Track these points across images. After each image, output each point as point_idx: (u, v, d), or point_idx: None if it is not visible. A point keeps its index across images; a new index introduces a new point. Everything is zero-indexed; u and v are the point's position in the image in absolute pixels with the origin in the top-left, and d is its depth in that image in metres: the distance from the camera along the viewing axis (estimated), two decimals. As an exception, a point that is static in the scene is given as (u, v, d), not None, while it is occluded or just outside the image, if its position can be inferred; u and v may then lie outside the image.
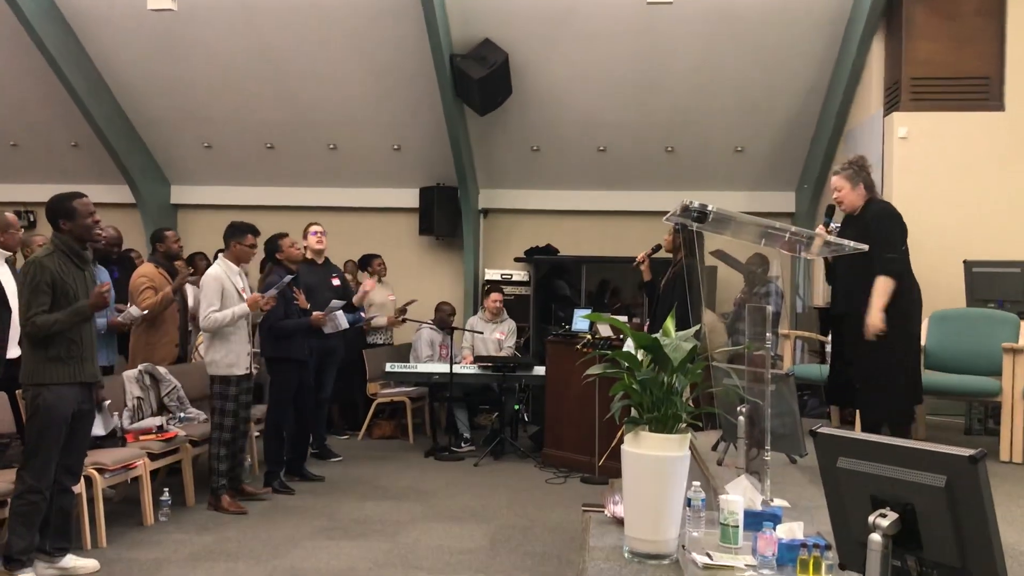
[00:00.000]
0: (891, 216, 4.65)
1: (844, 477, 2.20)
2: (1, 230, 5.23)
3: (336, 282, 7.21)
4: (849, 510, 2.21)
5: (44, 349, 4.17)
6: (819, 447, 2.28)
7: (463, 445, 7.81)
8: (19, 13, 8.24)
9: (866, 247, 3.71)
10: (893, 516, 2.04)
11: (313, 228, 7.07)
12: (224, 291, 5.63)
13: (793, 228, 3.35)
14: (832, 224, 4.50)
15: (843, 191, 4.73)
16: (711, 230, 3.47)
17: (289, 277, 6.14)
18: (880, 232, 4.51)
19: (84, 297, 4.29)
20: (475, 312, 9.44)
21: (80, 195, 4.36)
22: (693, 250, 5.55)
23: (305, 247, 6.95)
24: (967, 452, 1.93)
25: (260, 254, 6.45)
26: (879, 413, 4.62)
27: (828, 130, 8.55)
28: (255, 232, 5.89)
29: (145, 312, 6.14)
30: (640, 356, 3.00)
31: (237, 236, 5.81)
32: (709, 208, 3.27)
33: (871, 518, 2.06)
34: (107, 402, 5.01)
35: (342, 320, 6.89)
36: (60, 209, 4.29)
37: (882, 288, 4.47)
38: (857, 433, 2.29)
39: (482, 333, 8.24)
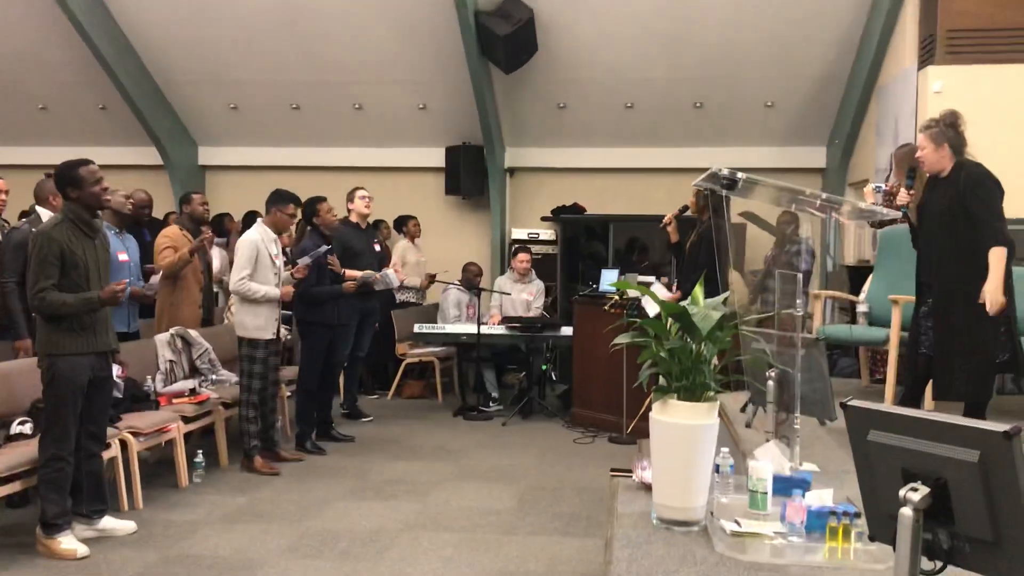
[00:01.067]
0: (989, 179, 4.28)
1: (874, 450, 2.18)
2: (52, 195, 5.27)
3: (377, 247, 7.26)
4: (879, 483, 2.19)
5: (57, 320, 4.18)
6: (849, 420, 2.25)
7: (491, 405, 7.86)
8: (44, -24, 8.24)
9: (898, 214, 3.58)
10: (924, 490, 2.02)
11: (361, 192, 7.05)
12: (258, 256, 5.66)
13: (824, 195, 3.29)
14: (906, 183, 4.19)
15: (925, 151, 4.34)
16: (742, 196, 3.42)
17: (325, 248, 6.16)
18: (979, 199, 4.18)
19: (93, 267, 4.27)
20: (502, 272, 9.44)
21: (87, 162, 4.30)
22: (720, 212, 5.50)
23: (351, 210, 6.96)
24: (1001, 427, 1.90)
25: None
26: (954, 394, 4.36)
27: (860, 85, 8.38)
28: (298, 202, 5.92)
29: (159, 274, 6.15)
30: (668, 324, 2.98)
31: (280, 204, 5.83)
32: (739, 176, 3.22)
33: (902, 492, 2.04)
34: (121, 369, 4.98)
35: (393, 278, 6.90)
36: (67, 177, 4.24)
37: (997, 258, 4.09)
38: (887, 406, 2.26)
39: (509, 294, 8.24)
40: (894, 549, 2.07)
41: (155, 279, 6.10)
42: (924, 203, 4.44)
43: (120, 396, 5.19)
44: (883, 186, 4.71)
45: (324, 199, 6.46)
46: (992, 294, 4.07)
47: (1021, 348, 4.36)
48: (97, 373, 4.33)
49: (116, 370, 4.71)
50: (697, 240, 6.08)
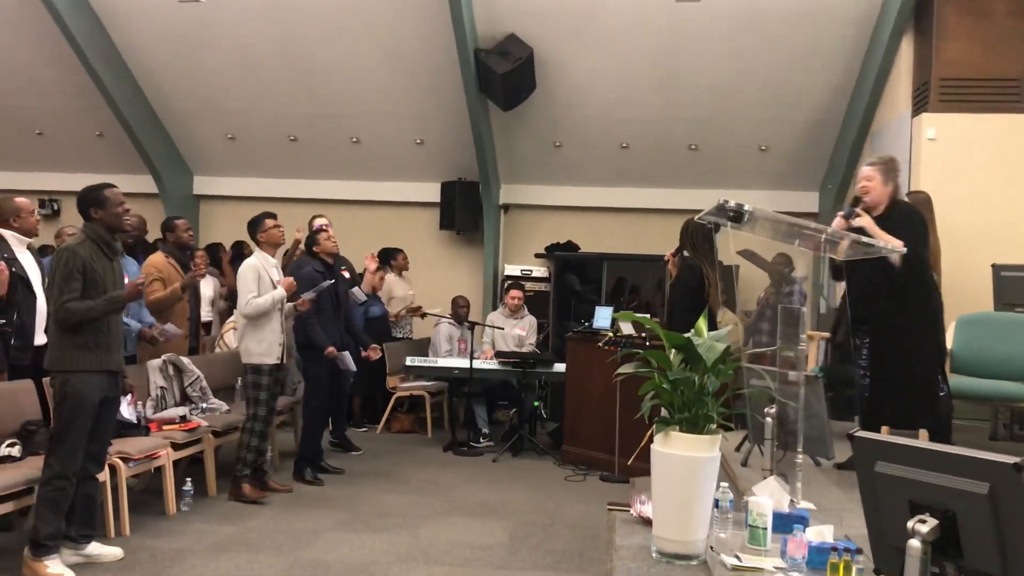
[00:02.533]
0: (921, 221, 4.51)
1: (882, 481, 2.18)
2: (13, 215, 5.22)
3: (347, 274, 7.22)
4: (886, 515, 2.19)
5: (72, 336, 4.19)
6: (856, 450, 2.26)
7: (481, 440, 7.81)
8: (47, 2, 8.28)
9: (902, 248, 3.65)
10: (933, 522, 2.02)
11: (319, 222, 6.99)
12: (260, 280, 5.69)
13: (829, 229, 3.32)
14: (852, 214, 4.38)
15: (873, 182, 4.53)
16: (743, 229, 3.44)
17: (328, 282, 6.18)
18: (911, 233, 4.37)
19: (111, 287, 4.31)
20: (494, 307, 9.44)
21: (111, 185, 4.41)
22: (709, 250, 5.53)
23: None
24: (1012, 460, 1.90)
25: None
26: (904, 422, 4.55)
27: (854, 130, 8.48)
28: (271, 215, 5.96)
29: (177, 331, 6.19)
30: (672, 355, 2.99)
31: (259, 227, 5.89)
32: (746, 208, 3.25)
33: (910, 523, 2.04)
34: (131, 393, 4.99)
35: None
36: (91, 198, 4.33)
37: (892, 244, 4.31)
38: (895, 437, 2.27)
39: (502, 328, 8.23)
40: (901, 582, 2.07)
41: (170, 327, 6.10)
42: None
43: (136, 423, 5.17)
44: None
45: (324, 229, 6.51)
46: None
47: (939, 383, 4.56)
48: (107, 393, 4.32)
49: (126, 399, 4.70)
50: (676, 279, 6.09)
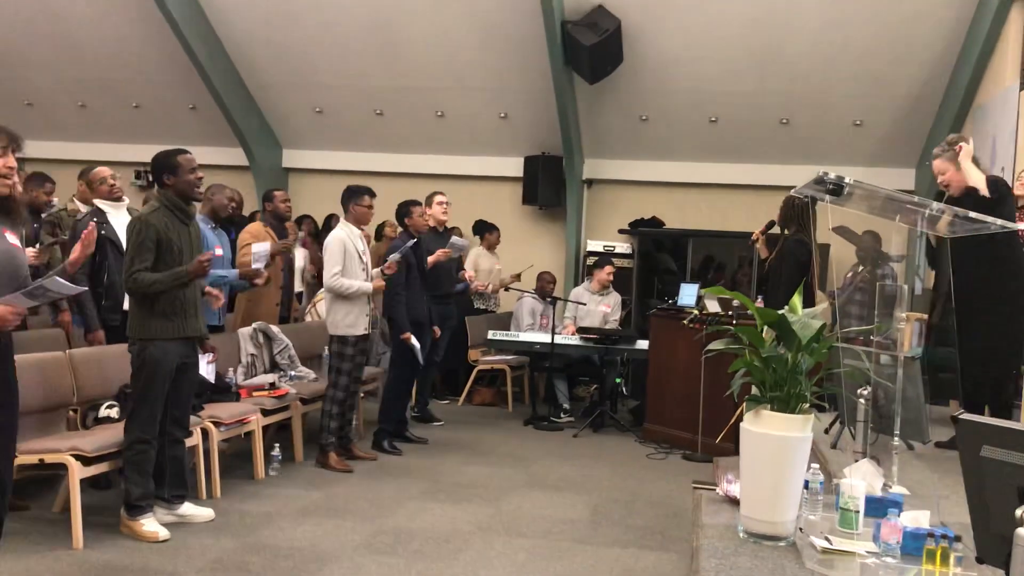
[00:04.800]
0: (1002, 184, 4.36)
1: (987, 467, 2.09)
2: (97, 183, 5.48)
3: (451, 240, 7.27)
4: (991, 501, 2.10)
5: (150, 305, 4.27)
6: (961, 434, 2.17)
7: (562, 416, 7.80)
8: (145, -22, 8.51)
9: (1021, 225, 3.50)
10: (1043, 511, 1.92)
11: (439, 198, 7.09)
12: (347, 253, 5.75)
13: (935, 204, 3.19)
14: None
15: (947, 174, 4.42)
16: (839, 203, 3.33)
17: (413, 241, 6.21)
18: (997, 205, 4.20)
19: (187, 253, 4.36)
20: (576, 283, 9.40)
21: (183, 151, 4.45)
22: (807, 226, 5.39)
23: (429, 215, 6.99)
24: None
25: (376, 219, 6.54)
26: (975, 392, 4.43)
27: (955, 104, 8.14)
28: (371, 193, 5.98)
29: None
30: (764, 332, 2.92)
31: (355, 198, 5.91)
32: (846, 180, 3.14)
33: (1018, 512, 1.95)
34: (211, 355, 5.04)
35: (461, 242, 6.96)
36: (164, 164, 4.39)
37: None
38: (1003, 421, 2.17)
39: (585, 304, 8.19)
40: (1006, 572, 1.98)
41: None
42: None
43: (212, 382, 5.29)
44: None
45: (419, 203, 6.57)
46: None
47: None
48: (184, 359, 4.41)
49: (206, 357, 4.79)
50: (779, 256, 5.95)
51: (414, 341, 6.27)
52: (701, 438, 6.52)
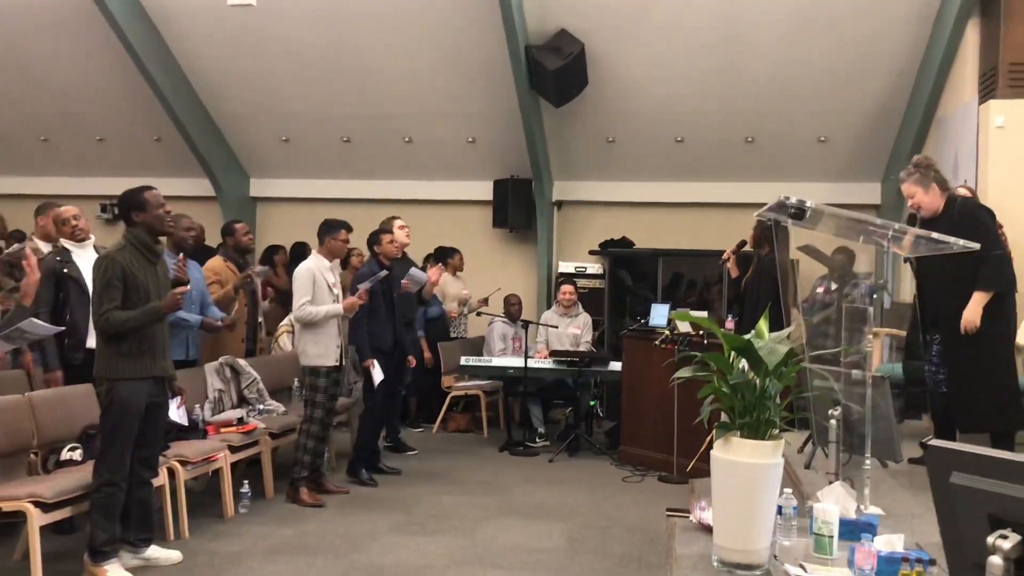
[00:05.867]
0: (979, 208, 4.39)
1: (958, 493, 2.05)
2: (59, 224, 5.37)
3: (409, 272, 7.21)
4: (963, 529, 2.06)
5: (116, 344, 4.21)
6: (930, 461, 2.13)
7: (537, 440, 7.75)
8: (104, 10, 8.42)
9: (977, 245, 3.49)
10: (1016, 538, 1.89)
11: (399, 222, 7.00)
12: (316, 284, 5.69)
13: (896, 225, 3.19)
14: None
15: (916, 196, 4.42)
16: (805, 226, 3.32)
17: (383, 274, 6.16)
18: (972, 229, 4.15)
19: (155, 291, 4.30)
20: (549, 305, 9.37)
21: (150, 187, 4.40)
22: (780, 245, 5.40)
23: (395, 241, 6.91)
24: (1102, 472, 1.77)
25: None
26: (977, 425, 4.39)
27: (917, 119, 8.21)
28: (348, 228, 5.97)
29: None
30: (731, 358, 2.89)
31: (332, 232, 5.89)
32: (807, 205, 3.13)
33: (990, 539, 1.92)
34: (180, 396, 4.98)
35: (420, 275, 6.92)
36: (131, 202, 4.33)
37: (979, 300, 4.21)
38: (974, 447, 2.14)
39: (556, 327, 8.16)
40: (980, 600, 1.95)
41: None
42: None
43: (185, 425, 5.21)
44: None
45: (388, 231, 6.50)
46: (968, 322, 4.26)
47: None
48: (153, 399, 4.34)
49: (175, 401, 4.72)
50: (756, 275, 5.96)
51: (375, 371, 6.17)
52: (676, 459, 6.49)
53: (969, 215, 4.35)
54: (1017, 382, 4.37)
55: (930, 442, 2.14)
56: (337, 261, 6.21)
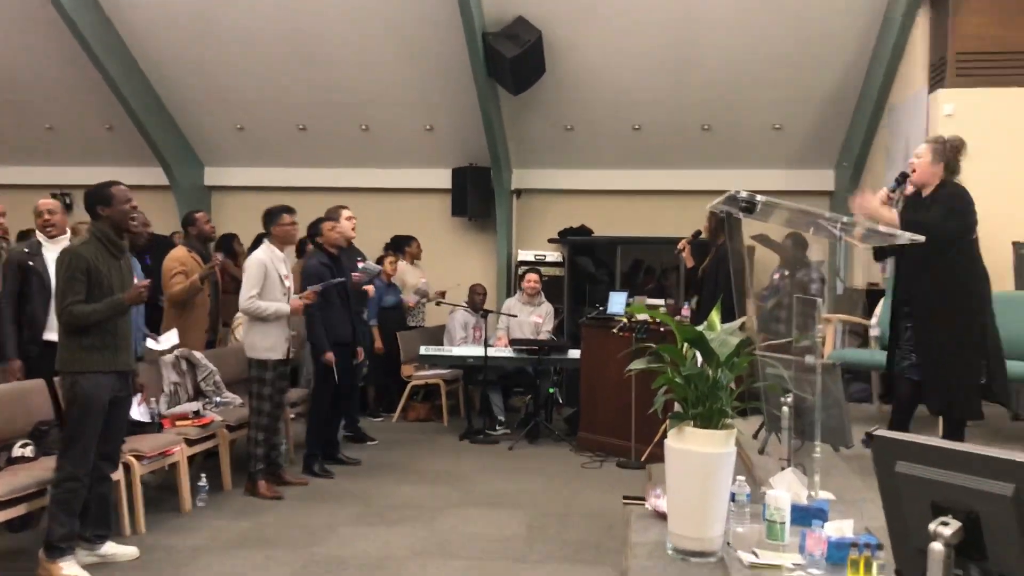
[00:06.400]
0: (962, 203, 4.35)
1: (902, 482, 2.11)
2: (37, 216, 5.32)
3: (361, 265, 7.17)
4: (908, 516, 2.12)
5: (79, 337, 4.17)
6: (876, 450, 2.19)
7: (497, 428, 7.78)
8: (53, -2, 8.26)
9: (922, 238, 3.54)
10: (956, 524, 1.95)
11: (347, 212, 6.92)
12: (267, 276, 5.63)
13: (844, 218, 3.25)
14: (897, 190, 4.31)
15: (922, 160, 4.42)
16: (757, 219, 3.37)
17: (337, 280, 6.11)
18: (947, 212, 4.27)
19: (119, 286, 4.27)
20: (508, 294, 9.39)
21: (117, 183, 4.36)
22: (734, 236, 5.45)
23: (339, 231, 6.84)
24: (1038, 460, 1.83)
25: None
26: (940, 404, 4.46)
27: (869, 107, 8.35)
28: (290, 211, 5.87)
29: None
30: (684, 349, 2.93)
31: (274, 219, 5.81)
32: (757, 199, 3.17)
33: (932, 526, 1.97)
34: (141, 393, 4.98)
35: (373, 267, 6.85)
36: (97, 196, 4.28)
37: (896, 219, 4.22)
38: (916, 437, 2.20)
39: (517, 316, 8.18)
40: (923, 585, 2.01)
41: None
42: (902, 221, 4.46)
43: (147, 422, 5.16)
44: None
45: (330, 219, 6.43)
46: (861, 206, 4.27)
47: (1000, 370, 4.40)
48: (117, 393, 4.30)
49: (137, 398, 4.68)
50: (713, 264, 6.02)
51: (332, 360, 6.14)
52: (635, 445, 6.55)
53: (946, 200, 4.35)
54: (980, 371, 4.37)
55: (876, 432, 2.20)
56: (292, 250, 6.11)
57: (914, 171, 4.47)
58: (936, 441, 2.09)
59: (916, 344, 4.44)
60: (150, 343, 5.97)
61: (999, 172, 6.68)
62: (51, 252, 5.14)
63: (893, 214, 4.21)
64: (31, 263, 5.19)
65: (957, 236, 4.31)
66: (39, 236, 5.34)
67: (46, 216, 5.33)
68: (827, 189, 9.63)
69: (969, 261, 4.39)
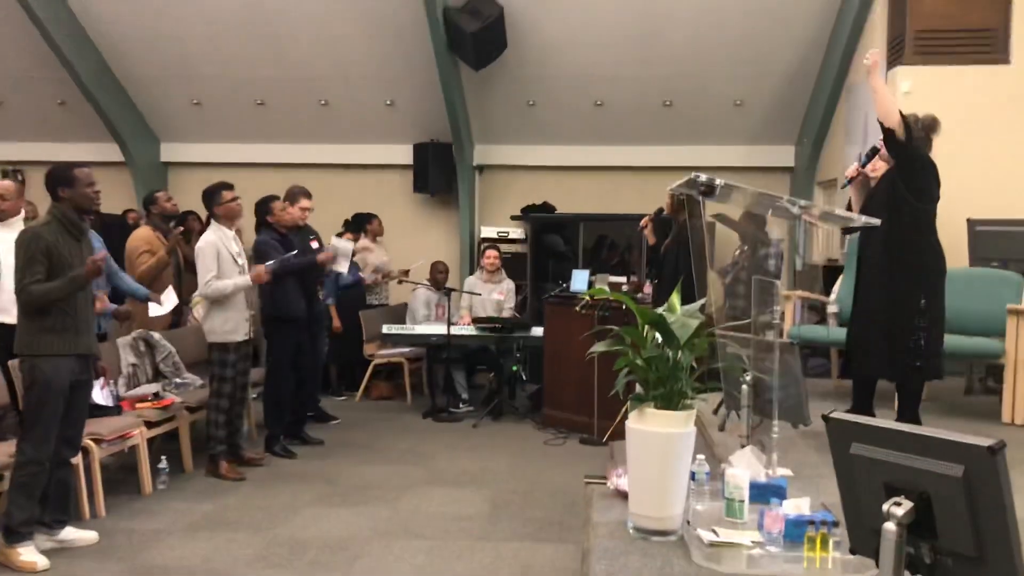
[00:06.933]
0: (930, 165, 4.40)
1: (857, 463, 2.15)
2: None
3: (315, 244, 7.05)
4: (862, 496, 2.16)
5: (39, 319, 4.11)
6: (831, 432, 2.22)
7: (461, 406, 7.80)
8: (-1, -32, 8.03)
9: (877, 222, 3.58)
10: (908, 505, 1.99)
11: (305, 203, 6.70)
12: (220, 256, 5.55)
13: (801, 202, 3.28)
14: (867, 164, 4.35)
15: (896, 135, 4.39)
16: (717, 201, 3.38)
17: (291, 253, 6.04)
18: (910, 174, 4.33)
19: (80, 267, 4.19)
20: (471, 271, 9.37)
21: (81, 164, 4.33)
22: (695, 215, 5.47)
23: (288, 213, 6.72)
24: (986, 442, 1.87)
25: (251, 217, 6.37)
26: (868, 370, 4.54)
27: (829, 84, 8.41)
28: (228, 187, 5.76)
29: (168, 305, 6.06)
30: (645, 332, 2.94)
31: (215, 198, 5.70)
32: (717, 182, 3.19)
33: (885, 506, 2.01)
34: (103, 377, 4.92)
35: (344, 262, 6.78)
36: (60, 177, 4.22)
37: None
38: (870, 419, 2.23)
39: (480, 295, 8.17)
40: (876, 563, 2.05)
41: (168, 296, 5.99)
42: (872, 192, 4.52)
43: (109, 406, 5.10)
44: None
45: (277, 197, 6.34)
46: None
47: (936, 345, 4.45)
48: (78, 376, 4.24)
49: (99, 382, 4.62)
50: (674, 243, 6.05)
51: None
52: (597, 421, 6.60)
53: (915, 159, 4.37)
54: (920, 338, 4.43)
55: (831, 415, 2.23)
56: (239, 225, 6.01)
57: (884, 147, 4.47)
58: (889, 424, 2.12)
59: (854, 307, 4.51)
60: (153, 308, 5.91)
61: (955, 150, 6.73)
62: (3, 236, 4.95)
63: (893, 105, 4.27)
64: None
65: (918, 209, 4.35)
66: None
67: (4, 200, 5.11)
68: (787, 165, 9.71)
69: (923, 231, 4.44)
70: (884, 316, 4.41)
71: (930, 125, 4.45)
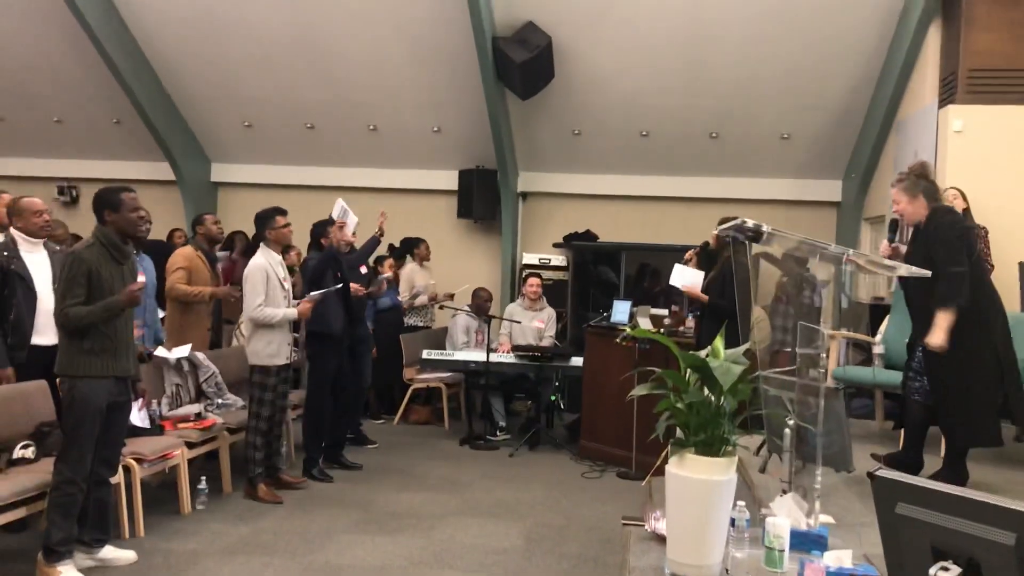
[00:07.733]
0: (953, 226, 4.28)
1: (903, 524, 2.10)
2: (16, 216, 4.99)
3: (363, 270, 7.15)
4: (907, 558, 2.11)
5: (79, 341, 4.17)
6: (877, 491, 2.17)
7: (498, 434, 7.77)
8: (63, -9, 8.25)
9: (928, 273, 3.50)
10: (956, 570, 1.94)
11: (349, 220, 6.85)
12: (269, 282, 5.62)
13: (850, 251, 3.23)
14: (895, 242, 4.29)
15: (901, 204, 4.39)
16: (763, 246, 3.35)
17: (336, 288, 6.10)
18: (938, 242, 4.21)
19: (118, 295, 4.24)
20: (512, 297, 9.38)
21: (128, 188, 4.36)
22: (739, 257, 5.43)
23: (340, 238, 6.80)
24: (1041, 511, 1.82)
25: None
26: (957, 438, 4.39)
27: (878, 120, 8.31)
28: (282, 212, 5.84)
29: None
30: (687, 375, 2.91)
31: (268, 223, 5.78)
32: (764, 228, 3.15)
33: (932, 570, 1.96)
34: (142, 398, 4.97)
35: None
36: (106, 200, 4.27)
37: (944, 321, 4.12)
38: (917, 479, 2.18)
39: (520, 322, 8.16)
40: (922, 629, 2.00)
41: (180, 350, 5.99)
42: (909, 255, 4.44)
43: (147, 427, 5.15)
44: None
45: (334, 221, 6.42)
46: (933, 344, 4.15)
47: (1018, 392, 4.33)
48: (116, 398, 4.29)
49: (138, 404, 4.67)
50: (719, 277, 6.00)
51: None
52: (636, 455, 6.54)
53: (936, 231, 4.29)
54: (993, 399, 4.29)
55: (877, 473, 2.19)
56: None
57: (901, 215, 4.45)
58: (938, 485, 2.07)
59: (928, 375, 4.39)
60: (161, 351, 5.95)
61: (1006, 190, 6.66)
62: (30, 253, 5.00)
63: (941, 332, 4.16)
64: (12, 266, 4.91)
65: (956, 283, 4.21)
66: (16, 235, 5.00)
67: (46, 216, 5.09)
68: (834, 200, 9.61)
69: (973, 284, 4.32)
70: (961, 384, 4.27)
71: (923, 173, 4.43)
